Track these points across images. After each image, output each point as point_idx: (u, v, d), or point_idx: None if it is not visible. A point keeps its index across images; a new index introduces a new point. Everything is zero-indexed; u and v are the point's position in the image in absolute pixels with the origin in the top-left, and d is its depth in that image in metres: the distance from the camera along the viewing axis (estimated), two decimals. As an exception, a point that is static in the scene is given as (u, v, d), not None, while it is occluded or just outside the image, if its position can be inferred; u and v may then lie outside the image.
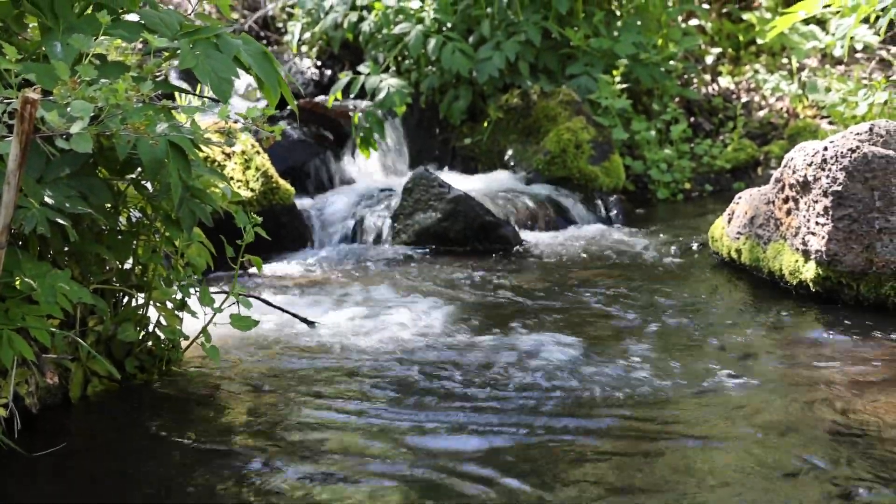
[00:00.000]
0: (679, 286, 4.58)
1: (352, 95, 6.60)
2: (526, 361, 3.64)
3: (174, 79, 6.56)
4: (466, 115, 6.70)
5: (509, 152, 6.44)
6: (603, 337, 3.91)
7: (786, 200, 4.39)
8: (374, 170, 6.56)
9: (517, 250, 5.31)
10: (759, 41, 7.52)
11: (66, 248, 3.13)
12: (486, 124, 6.59)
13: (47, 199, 2.80)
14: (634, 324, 4.06)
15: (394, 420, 3.14)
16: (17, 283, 2.81)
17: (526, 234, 5.59)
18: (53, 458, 2.89)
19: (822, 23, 7.42)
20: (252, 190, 5.11)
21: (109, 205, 3.20)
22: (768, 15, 7.52)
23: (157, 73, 3.17)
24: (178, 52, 3.02)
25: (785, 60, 7.62)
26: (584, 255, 5.20)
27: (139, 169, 3.21)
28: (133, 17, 3.13)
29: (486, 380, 3.46)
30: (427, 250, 5.33)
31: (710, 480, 2.71)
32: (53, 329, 2.98)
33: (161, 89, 3.08)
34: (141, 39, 3.01)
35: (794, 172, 4.30)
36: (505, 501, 2.63)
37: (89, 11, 3.12)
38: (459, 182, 5.90)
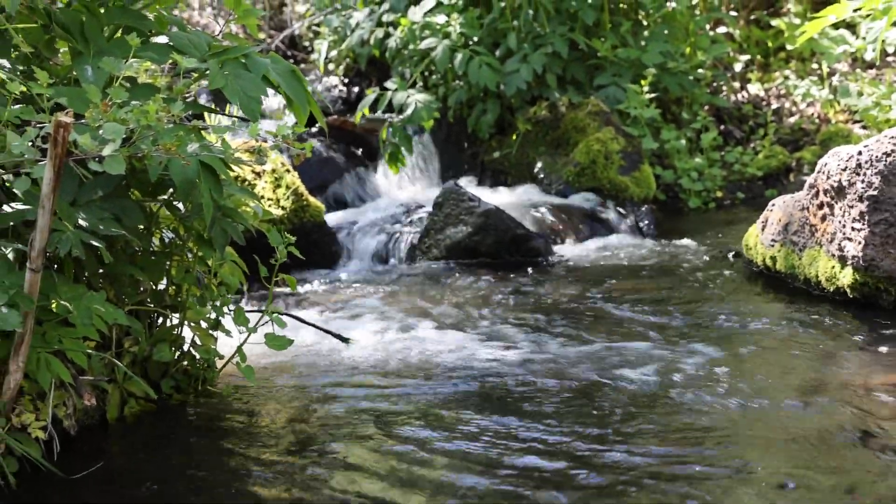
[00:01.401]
0: (714, 296, 4.55)
1: (379, 111, 6.61)
2: (564, 374, 3.62)
3: (203, 99, 6.60)
4: (495, 128, 6.70)
5: (538, 164, 6.42)
6: (641, 349, 3.88)
7: (820, 206, 4.35)
8: (403, 185, 6.56)
9: (549, 262, 5.29)
10: (789, 47, 7.47)
11: (100, 270, 3.14)
12: (514, 137, 6.58)
13: (81, 222, 2.81)
14: (671, 335, 4.03)
15: (430, 438, 3.13)
16: (54, 305, 2.82)
17: (557, 246, 5.56)
18: (92, 479, 2.89)
19: (852, 27, 7.36)
20: (283, 208, 5.12)
21: (142, 226, 3.21)
22: (797, 21, 7.48)
23: (187, 94, 3.18)
24: (207, 72, 3.03)
25: (815, 66, 7.57)
26: (617, 267, 5.17)
27: (171, 189, 3.23)
28: (162, 38, 3.15)
29: (524, 394, 3.44)
30: (458, 265, 5.32)
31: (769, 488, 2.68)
32: (90, 351, 2.99)
33: (191, 110, 3.09)
34: (170, 61, 3.03)
35: (828, 178, 4.26)
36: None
37: (119, 35, 3.14)
38: (489, 196, 5.89)
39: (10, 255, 2.76)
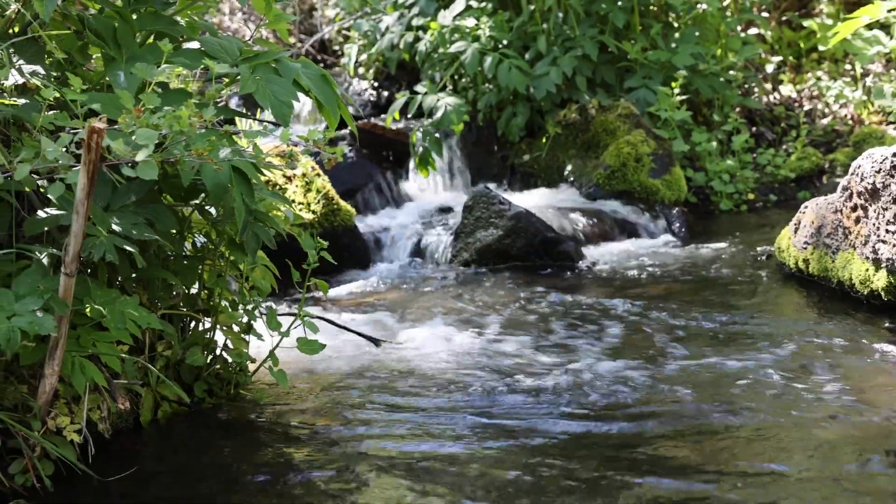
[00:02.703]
0: (747, 299, 4.51)
1: (409, 115, 6.62)
2: (598, 378, 3.60)
3: (234, 104, 6.64)
4: (525, 131, 6.69)
5: (569, 167, 6.41)
6: (674, 353, 3.86)
7: (854, 208, 4.31)
8: (433, 189, 6.57)
9: (579, 266, 5.28)
10: (821, 48, 7.41)
11: (133, 275, 3.16)
12: (544, 140, 6.57)
13: (115, 227, 2.83)
14: (705, 339, 4.01)
15: (463, 442, 3.12)
16: (88, 310, 2.84)
17: (587, 250, 5.55)
18: (126, 482, 2.91)
19: (886, 27, 7.29)
20: (313, 212, 5.14)
21: (175, 230, 3.23)
22: (829, 21, 7.42)
23: (219, 99, 3.20)
24: (239, 77, 3.05)
25: (848, 67, 7.50)
26: (648, 270, 5.15)
27: (203, 194, 3.24)
28: (194, 44, 3.16)
29: (556, 398, 3.43)
30: (489, 268, 5.31)
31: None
32: (123, 355, 3.01)
33: (223, 115, 3.10)
34: (202, 66, 3.04)
35: (862, 180, 4.22)
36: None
37: (151, 40, 3.16)
38: (519, 199, 5.88)
39: (45, 260, 2.78)
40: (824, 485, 2.71)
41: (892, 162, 4.07)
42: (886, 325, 4.00)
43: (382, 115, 6.91)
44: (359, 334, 4.10)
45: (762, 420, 3.16)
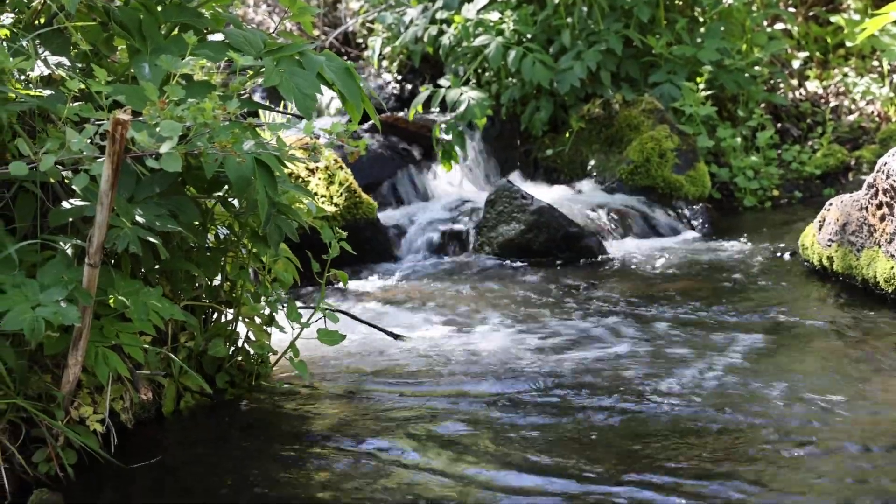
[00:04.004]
0: (771, 296, 4.49)
1: (433, 109, 6.61)
2: (618, 375, 3.59)
3: (257, 96, 6.65)
4: (548, 125, 6.67)
5: (592, 162, 6.39)
6: (695, 350, 3.84)
7: (879, 206, 4.28)
8: (456, 182, 6.56)
9: (602, 261, 5.26)
10: (848, 44, 7.35)
11: (157, 266, 3.18)
12: (567, 135, 6.55)
13: (138, 218, 2.84)
14: (728, 336, 3.99)
15: (481, 436, 3.12)
16: (111, 301, 2.86)
17: (610, 245, 5.53)
18: (148, 472, 2.93)
19: (913, 23, 7.22)
20: (336, 205, 5.14)
21: (198, 222, 3.24)
22: (857, 17, 7.35)
23: (242, 92, 3.21)
24: (263, 70, 3.05)
25: (875, 63, 7.44)
26: (670, 266, 5.13)
27: (226, 186, 3.25)
28: (218, 36, 3.17)
29: (574, 395, 3.43)
30: (511, 262, 5.31)
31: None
32: (146, 346, 3.03)
33: (247, 107, 3.11)
34: (226, 58, 3.05)
35: (887, 177, 4.19)
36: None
37: (176, 32, 3.17)
38: (542, 193, 5.86)
39: (70, 251, 2.80)
40: (848, 485, 2.70)
41: (918, 159, 4.04)
42: (911, 323, 3.98)
43: (405, 109, 6.91)
44: (378, 328, 4.10)
45: (786, 421, 3.14)
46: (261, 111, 4.11)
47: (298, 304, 3.56)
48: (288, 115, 3.67)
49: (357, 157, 3.08)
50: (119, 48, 3.30)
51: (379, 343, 4.03)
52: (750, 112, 6.75)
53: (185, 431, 3.24)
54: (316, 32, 8.34)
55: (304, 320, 3.45)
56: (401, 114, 6.74)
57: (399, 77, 7.67)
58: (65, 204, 2.83)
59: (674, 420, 3.17)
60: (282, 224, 3.16)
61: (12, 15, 3.01)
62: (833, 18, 7.51)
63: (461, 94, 6.34)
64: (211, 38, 3.17)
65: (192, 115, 2.62)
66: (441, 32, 6.96)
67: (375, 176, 6.22)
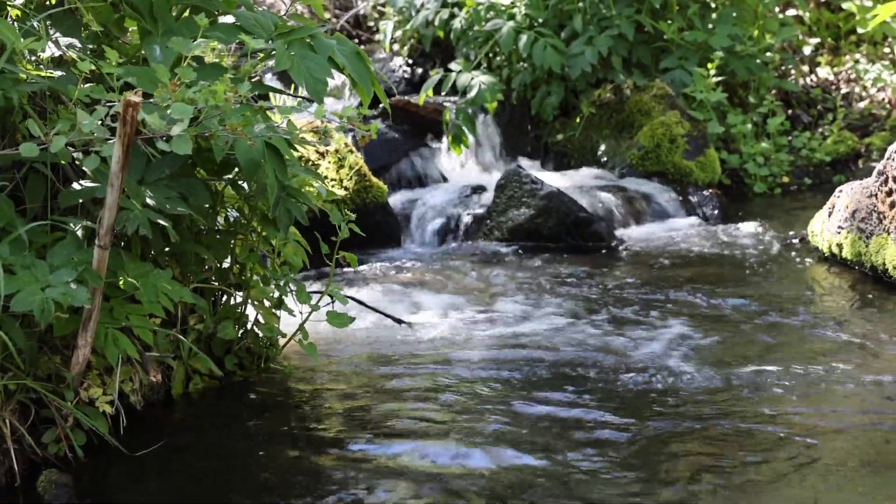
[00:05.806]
0: (780, 282, 4.48)
1: (443, 93, 6.60)
2: (627, 360, 3.60)
3: (268, 79, 6.65)
4: (558, 110, 6.66)
5: (602, 147, 6.38)
6: (705, 336, 3.84)
7: (889, 193, 4.26)
8: (466, 167, 6.56)
9: (611, 246, 5.26)
10: (860, 30, 7.31)
11: (166, 248, 3.19)
12: (578, 120, 6.54)
13: (149, 200, 2.85)
14: (737, 322, 3.99)
15: (489, 420, 3.13)
16: (121, 282, 2.86)
17: (619, 230, 5.52)
18: (157, 454, 2.94)
19: (926, 10, 7.18)
20: (346, 188, 5.14)
21: (208, 205, 3.24)
22: (869, 3, 7.31)
23: (253, 74, 3.20)
24: (274, 53, 3.05)
25: (887, 50, 7.40)
26: (680, 252, 5.12)
27: (236, 169, 3.26)
28: (229, 18, 3.16)
29: (584, 379, 3.43)
30: (520, 247, 5.31)
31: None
32: (156, 328, 3.04)
33: (258, 90, 3.11)
34: (237, 41, 3.05)
35: (899, 165, 4.18)
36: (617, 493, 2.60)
37: (187, 14, 3.17)
38: (552, 178, 5.86)
39: (80, 233, 2.81)
40: (862, 475, 2.70)
41: (930, 147, 4.03)
42: (920, 311, 3.97)
43: (416, 93, 6.89)
44: (383, 314, 4.11)
45: (797, 408, 3.14)
46: (272, 94, 4.10)
47: (308, 287, 3.56)
48: (299, 98, 3.67)
49: (368, 140, 3.07)
50: (130, 30, 3.29)
51: (388, 326, 4.04)
52: (761, 98, 6.72)
53: (193, 413, 3.25)
54: (327, 15, 8.33)
55: (313, 303, 3.45)
56: (412, 98, 6.73)
57: (410, 61, 7.66)
58: (75, 185, 2.84)
59: (683, 401, 3.17)
60: (291, 207, 3.16)
61: (24, -4, 3.01)
62: (845, 5, 7.47)
63: (472, 78, 6.33)
64: (222, 20, 3.16)
65: (203, 98, 2.62)
66: (452, 16, 6.94)
67: (386, 160, 6.21)
